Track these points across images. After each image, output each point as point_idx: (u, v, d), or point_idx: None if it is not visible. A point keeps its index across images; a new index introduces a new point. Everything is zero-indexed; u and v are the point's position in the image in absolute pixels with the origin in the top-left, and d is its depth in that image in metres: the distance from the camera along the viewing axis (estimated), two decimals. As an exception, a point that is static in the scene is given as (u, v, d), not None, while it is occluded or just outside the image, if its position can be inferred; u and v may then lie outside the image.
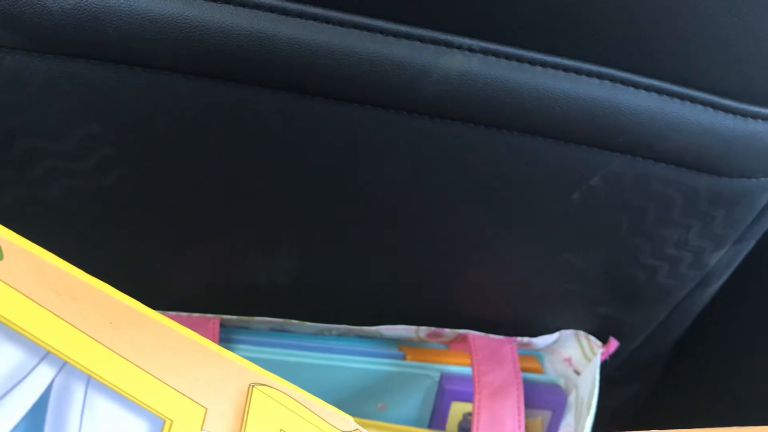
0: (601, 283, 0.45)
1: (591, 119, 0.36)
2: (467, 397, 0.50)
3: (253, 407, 0.30)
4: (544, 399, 0.51)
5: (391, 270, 0.45)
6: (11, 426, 0.25)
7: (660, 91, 0.35)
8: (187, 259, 0.45)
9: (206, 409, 0.29)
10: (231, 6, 0.33)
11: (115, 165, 0.38)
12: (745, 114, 0.36)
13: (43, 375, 0.26)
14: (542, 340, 0.50)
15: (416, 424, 0.51)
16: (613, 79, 0.35)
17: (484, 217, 0.41)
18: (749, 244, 0.46)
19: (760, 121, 0.37)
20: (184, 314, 0.47)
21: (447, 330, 0.50)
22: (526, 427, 0.49)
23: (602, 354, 0.49)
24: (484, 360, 0.48)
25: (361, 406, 0.50)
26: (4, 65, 0.34)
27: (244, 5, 0.33)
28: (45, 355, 0.26)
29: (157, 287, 0.46)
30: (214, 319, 0.47)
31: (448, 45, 0.34)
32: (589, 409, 0.47)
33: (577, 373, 0.51)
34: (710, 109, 0.36)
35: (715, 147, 0.37)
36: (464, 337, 0.50)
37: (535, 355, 0.53)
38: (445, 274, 0.46)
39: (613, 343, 0.49)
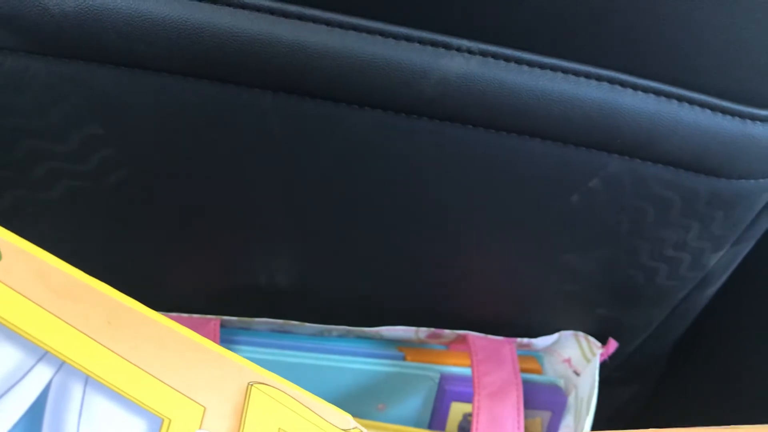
0: (600, 285, 0.45)
1: (590, 121, 0.36)
2: (467, 398, 0.50)
3: (251, 406, 0.30)
4: (543, 399, 0.51)
5: (391, 271, 0.45)
6: (9, 426, 0.25)
7: (658, 93, 0.35)
8: (187, 260, 0.45)
9: (205, 408, 0.29)
10: (231, 8, 0.33)
11: (117, 166, 0.38)
12: (743, 116, 0.36)
13: (41, 375, 0.26)
14: (542, 341, 0.50)
15: (416, 424, 0.51)
16: (611, 80, 0.35)
17: (483, 219, 0.41)
18: (748, 245, 0.46)
19: (759, 122, 0.37)
20: (185, 315, 0.47)
21: (447, 331, 0.50)
22: (526, 428, 0.49)
23: (602, 355, 0.49)
24: (483, 361, 0.48)
25: (362, 407, 0.50)
26: (5, 67, 0.34)
27: (243, 7, 0.33)
28: (43, 354, 0.26)
29: (157, 288, 0.46)
30: (214, 320, 0.47)
31: (447, 47, 0.34)
32: (588, 409, 0.47)
33: (577, 373, 0.51)
34: (708, 111, 0.36)
35: (714, 148, 0.37)
36: (464, 338, 0.50)
37: (535, 356, 0.53)
38: (444, 275, 0.46)
39: (613, 344, 0.49)
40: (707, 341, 0.57)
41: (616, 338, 0.49)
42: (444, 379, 0.50)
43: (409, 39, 0.34)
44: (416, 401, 0.50)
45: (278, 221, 0.42)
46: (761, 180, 0.39)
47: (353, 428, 0.32)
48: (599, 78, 0.35)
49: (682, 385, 0.59)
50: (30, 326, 0.26)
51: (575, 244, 0.43)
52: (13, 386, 0.26)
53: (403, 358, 0.50)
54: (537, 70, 0.34)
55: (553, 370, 0.53)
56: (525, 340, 0.50)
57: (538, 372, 0.52)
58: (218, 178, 0.39)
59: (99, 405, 0.27)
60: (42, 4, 0.33)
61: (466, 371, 0.50)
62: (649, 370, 0.59)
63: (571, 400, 0.51)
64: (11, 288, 0.26)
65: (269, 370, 0.31)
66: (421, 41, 0.34)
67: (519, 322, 0.49)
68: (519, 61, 0.34)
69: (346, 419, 0.32)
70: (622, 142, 0.37)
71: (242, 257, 0.44)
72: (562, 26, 0.33)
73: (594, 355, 0.49)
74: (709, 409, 0.57)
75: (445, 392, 0.50)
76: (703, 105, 0.36)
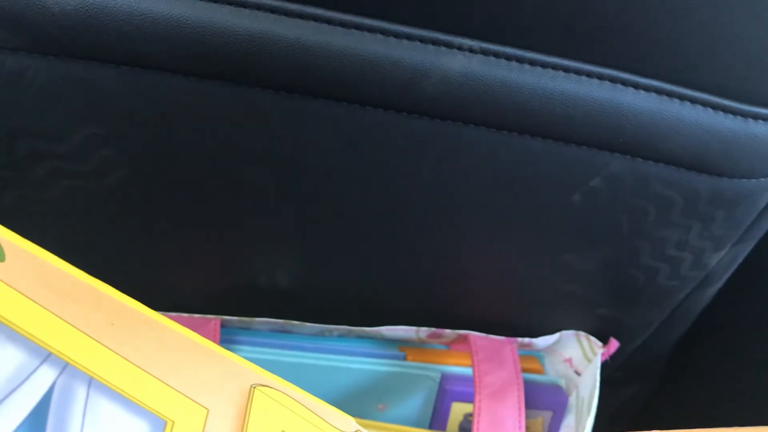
0: (601, 284, 0.45)
1: (591, 120, 0.36)
2: (468, 398, 0.50)
3: (254, 408, 0.30)
4: (544, 399, 0.51)
5: (392, 271, 0.45)
6: (13, 428, 0.25)
7: (660, 92, 0.35)
8: (188, 260, 0.45)
9: (208, 410, 0.29)
10: (232, 7, 0.33)
11: (117, 166, 0.38)
12: (745, 114, 0.36)
13: (45, 376, 0.26)
14: (543, 341, 0.50)
15: (417, 424, 0.51)
16: (613, 79, 0.35)
17: (484, 218, 0.41)
18: (749, 245, 0.46)
19: (761, 121, 0.37)
20: (185, 315, 0.47)
21: (447, 331, 0.50)
22: (527, 428, 0.49)
23: (603, 354, 0.49)
24: (484, 360, 0.48)
25: (362, 407, 0.50)
26: (5, 66, 0.34)
27: (244, 6, 0.33)
28: (47, 356, 0.26)
29: (158, 288, 0.46)
30: (215, 320, 0.47)
31: (449, 45, 0.34)
32: (589, 409, 0.47)
33: (578, 373, 0.51)
34: (710, 110, 0.36)
35: (716, 147, 0.37)
36: (465, 338, 0.50)
37: (536, 356, 0.53)
38: (445, 275, 0.46)
39: (614, 344, 0.49)
40: (708, 341, 0.57)
41: (617, 338, 0.49)
42: (445, 379, 0.50)
43: (410, 38, 0.34)
44: (417, 401, 0.50)
45: (279, 221, 0.42)
46: (763, 179, 0.39)
47: (355, 431, 0.32)
48: (601, 77, 0.35)
49: (682, 385, 0.60)
50: (33, 327, 0.26)
51: (576, 244, 0.43)
52: (16, 388, 0.26)
53: (404, 358, 0.50)
54: (538, 69, 0.34)
55: (554, 370, 0.53)
56: (526, 339, 0.50)
57: (539, 372, 0.52)
58: (218, 178, 0.39)
59: (103, 407, 0.27)
60: (42, 3, 0.32)
61: (467, 371, 0.50)
62: (649, 370, 0.59)
63: (572, 400, 0.51)
64: (14, 289, 0.26)
65: (270, 370, 0.31)
66: (423, 40, 0.34)
67: (520, 321, 0.49)
68: (520, 60, 0.34)
69: (348, 422, 0.32)
70: (623, 142, 0.37)
71: (242, 257, 0.44)
72: (564, 25, 0.33)
73: (595, 355, 0.49)
74: (709, 410, 0.57)
75: (445, 392, 0.50)
76: (704, 104, 0.36)
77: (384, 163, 0.38)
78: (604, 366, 0.50)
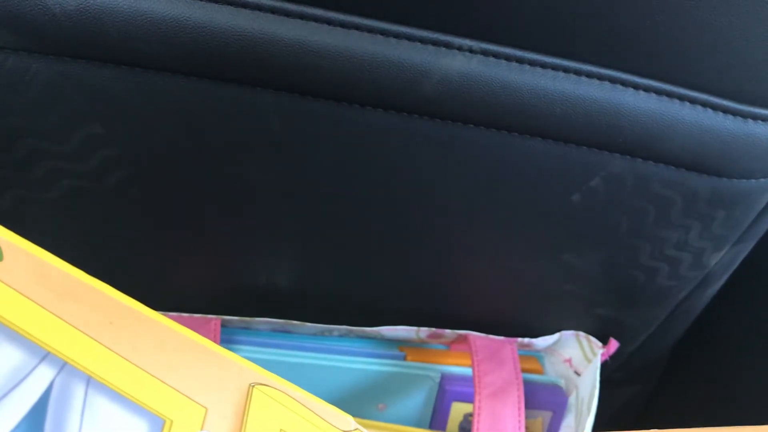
0: (601, 285, 0.45)
1: (591, 120, 0.36)
2: (468, 398, 0.50)
3: (253, 407, 0.30)
4: (544, 399, 0.51)
5: (392, 271, 0.45)
6: (11, 426, 0.25)
7: (660, 92, 0.35)
8: (188, 260, 0.45)
9: (206, 409, 0.29)
10: (232, 7, 0.33)
11: (117, 166, 0.38)
12: (744, 115, 0.36)
13: (44, 375, 0.26)
14: (543, 341, 0.50)
15: (417, 424, 0.51)
16: (612, 80, 0.35)
17: (484, 218, 0.41)
18: (749, 245, 0.46)
19: (760, 122, 0.36)
20: (186, 315, 0.47)
21: (448, 331, 0.50)
22: (527, 428, 0.49)
23: (602, 355, 0.49)
24: (484, 361, 0.48)
25: (362, 407, 0.50)
26: (6, 66, 0.34)
27: (245, 6, 0.33)
28: (45, 355, 0.26)
29: (158, 288, 0.46)
30: (215, 320, 0.47)
31: (448, 46, 0.34)
32: (589, 409, 0.47)
33: (578, 373, 0.51)
34: (710, 110, 0.36)
35: (715, 148, 0.37)
36: (465, 338, 0.50)
37: (536, 356, 0.53)
38: (445, 275, 0.46)
39: (614, 344, 0.49)
40: (708, 341, 0.57)
41: (617, 338, 0.49)
42: (445, 379, 0.50)
43: (410, 38, 0.34)
44: (417, 401, 0.50)
45: (278, 221, 0.42)
46: (762, 179, 0.39)
47: (354, 429, 0.32)
48: (600, 77, 0.35)
49: (682, 385, 0.59)
50: (31, 327, 0.26)
51: (576, 244, 0.43)
52: (15, 387, 0.26)
53: (404, 358, 0.50)
54: (538, 70, 0.34)
55: (554, 371, 0.53)
56: (526, 340, 0.50)
57: (539, 372, 0.52)
58: (218, 178, 0.39)
59: (101, 406, 0.27)
60: (43, 3, 0.32)
61: (467, 371, 0.50)
62: (649, 370, 0.59)
63: (571, 400, 0.51)
64: (13, 288, 0.26)
65: (270, 370, 0.31)
66: (423, 40, 0.34)
67: (520, 322, 0.49)
68: (520, 61, 0.34)
69: (347, 420, 0.32)
70: (623, 142, 0.37)
71: (242, 257, 0.44)
72: (564, 26, 0.33)
73: (595, 355, 0.49)
74: (709, 410, 0.57)
75: (445, 392, 0.50)
76: (704, 104, 0.36)
77: (383, 163, 0.38)
78: (604, 366, 0.50)
